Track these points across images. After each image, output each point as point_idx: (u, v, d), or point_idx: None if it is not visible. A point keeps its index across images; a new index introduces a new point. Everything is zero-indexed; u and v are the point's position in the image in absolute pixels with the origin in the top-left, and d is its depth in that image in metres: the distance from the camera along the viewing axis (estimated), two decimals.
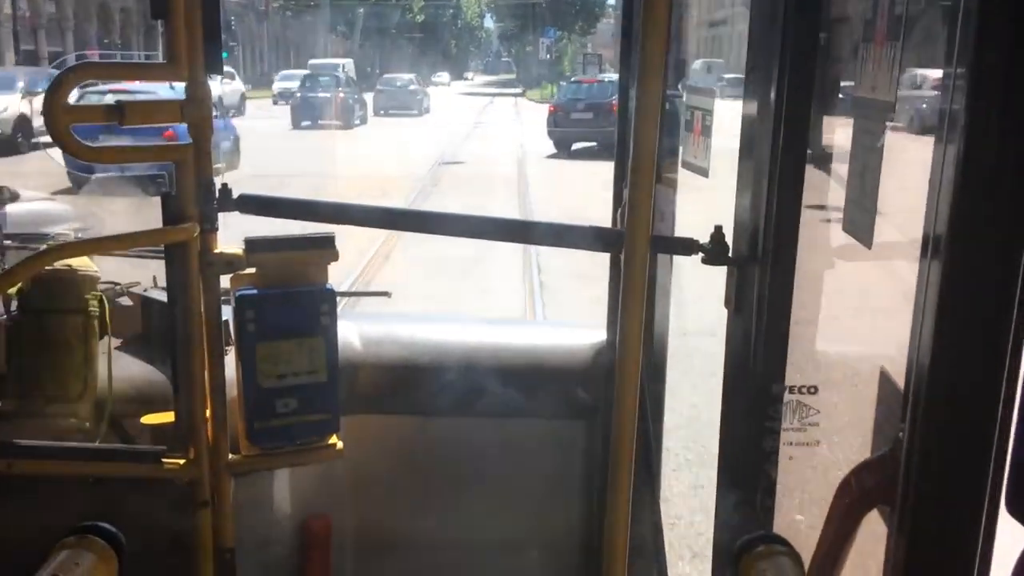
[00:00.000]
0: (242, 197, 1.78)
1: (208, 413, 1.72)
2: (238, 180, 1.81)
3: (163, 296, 1.96)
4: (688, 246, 1.78)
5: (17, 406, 1.90)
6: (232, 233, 1.78)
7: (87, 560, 1.52)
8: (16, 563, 1.46)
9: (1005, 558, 1.34)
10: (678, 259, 2.05)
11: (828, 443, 1.71)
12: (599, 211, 2.26)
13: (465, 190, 14.07)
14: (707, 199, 2.34)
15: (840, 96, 1.77)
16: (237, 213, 1.79)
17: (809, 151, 1.62)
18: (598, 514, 2.11)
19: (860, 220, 1.48)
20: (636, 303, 1.38)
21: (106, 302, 1.99)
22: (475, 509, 2.28)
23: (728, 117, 1.91)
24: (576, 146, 20.39)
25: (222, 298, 1.73)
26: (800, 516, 1.77)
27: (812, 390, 1.67)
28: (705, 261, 1.73)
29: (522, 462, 2.29)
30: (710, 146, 1.86)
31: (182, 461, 1.73)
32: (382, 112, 30.43)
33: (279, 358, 1.72)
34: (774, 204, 1.58)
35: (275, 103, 30.76)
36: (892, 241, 1.62)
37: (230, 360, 1.75)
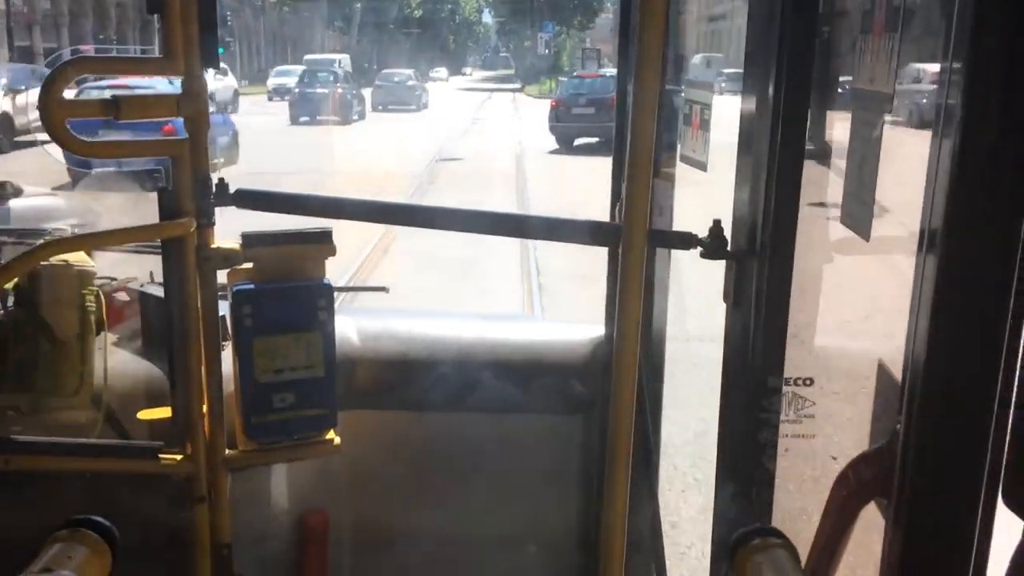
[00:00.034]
0: (239, 192, 1.78)
1: (205, 408, 1.72)
2: (235, 177, 1.80)
3: (160, 291, 1.95)
4: (686, 240, 1.78)
5: (13, 401, 1.90)
6: (229, 229, 1.77)
7: (80, 553, 1.52)
8: (12, 558, 1.45)
9: (1003, 555, 1.35)
10: (679, 257, 2.05)
11: (825, 436, 1.71)
12: (599, 211, 2.25)
13: (463, 186, 14.01)
14: (706, 193, 2.33)
15: (839, 91, 1.77)
16: (233, 208, 1.79)
17: (809, 146, 1.62)
18: (596, 509, 2.10)
19: (858, 213, 1.48)
20: (633, 297, 1.38)
21: (103, 297, 1.99)
22: (472, 504, 2.28)
23: (727, 114, 1.90)
24: (578, 141, 20.34)
25: (219, 293, 1.73)
26: (797, 508, 1.77)
27: (808, 382, 1.67)
28: (704, 255, 1.73)
29: (520, 457, 2.28)
30: (708, 140, 1.86)
31: (179, 456, 1.72)
32: (380, 108, 30.28)
33: (276, 353, 1.71)
34: (772, 198, 1.58)
35: (270, 99, 30.61)
36: (891, 235, 1.62)
37: (227, 355, 1.75)
